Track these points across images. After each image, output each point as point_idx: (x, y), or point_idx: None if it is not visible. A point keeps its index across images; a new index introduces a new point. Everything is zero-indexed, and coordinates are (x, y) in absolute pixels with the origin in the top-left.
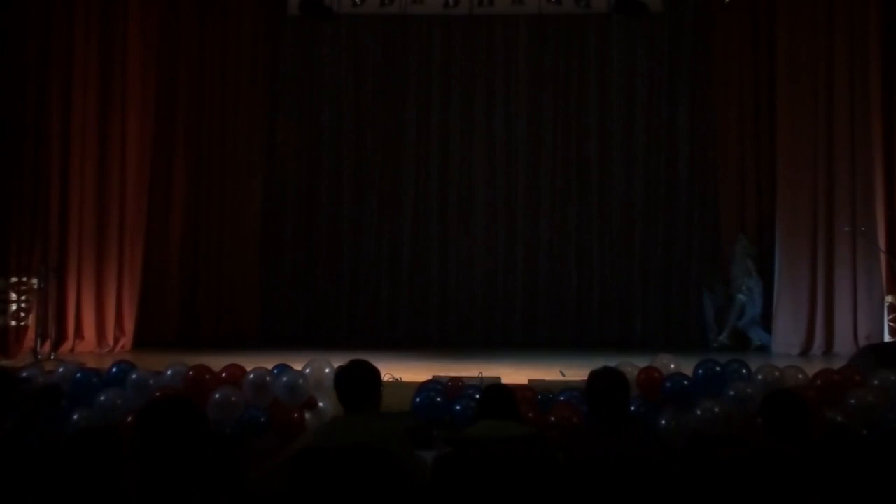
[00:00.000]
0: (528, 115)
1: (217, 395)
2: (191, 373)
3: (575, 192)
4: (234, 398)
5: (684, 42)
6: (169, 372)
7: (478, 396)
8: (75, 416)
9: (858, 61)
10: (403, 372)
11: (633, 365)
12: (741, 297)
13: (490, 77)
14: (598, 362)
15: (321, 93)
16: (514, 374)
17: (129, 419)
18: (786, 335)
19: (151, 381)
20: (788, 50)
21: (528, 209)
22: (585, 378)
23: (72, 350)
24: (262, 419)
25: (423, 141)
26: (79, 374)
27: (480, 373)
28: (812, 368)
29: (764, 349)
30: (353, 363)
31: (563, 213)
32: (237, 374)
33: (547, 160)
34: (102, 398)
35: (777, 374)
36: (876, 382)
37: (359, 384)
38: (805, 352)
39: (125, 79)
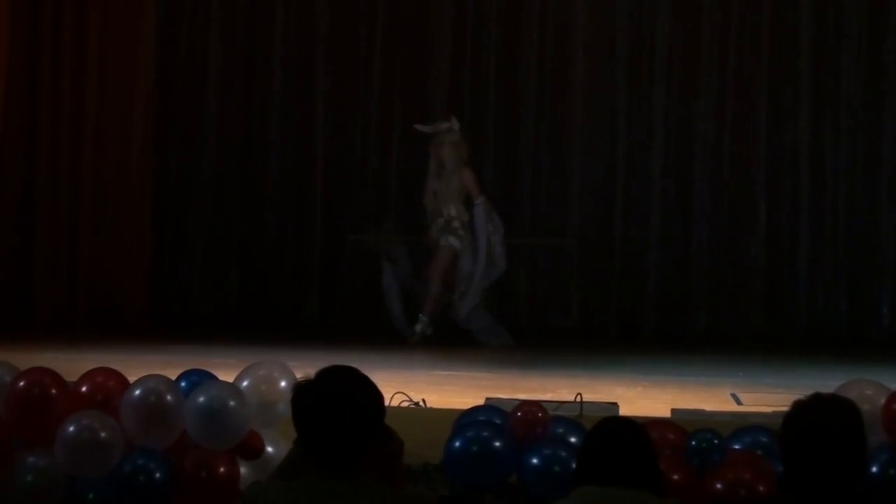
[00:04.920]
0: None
1: (71, 429)
2: (21, 384)
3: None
4: (104, 434)
5: None
6: None
7: (574, 440)
8: None
9: None
10: (429, 390)
11: (874, 384)
12: (452, 241)
13: None
14: (805, 379)
15: None
16: (642, 396)
17: None
18: None
19: None
20: None
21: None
22: (780, 408)
23: None
24: (159, 474)
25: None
26: None
27: (579, 394)
28: None
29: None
30: (329, 373)
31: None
32: (110, 387)
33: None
34: None
35: None
36: None
37: (345, 418)
38: None
39: None
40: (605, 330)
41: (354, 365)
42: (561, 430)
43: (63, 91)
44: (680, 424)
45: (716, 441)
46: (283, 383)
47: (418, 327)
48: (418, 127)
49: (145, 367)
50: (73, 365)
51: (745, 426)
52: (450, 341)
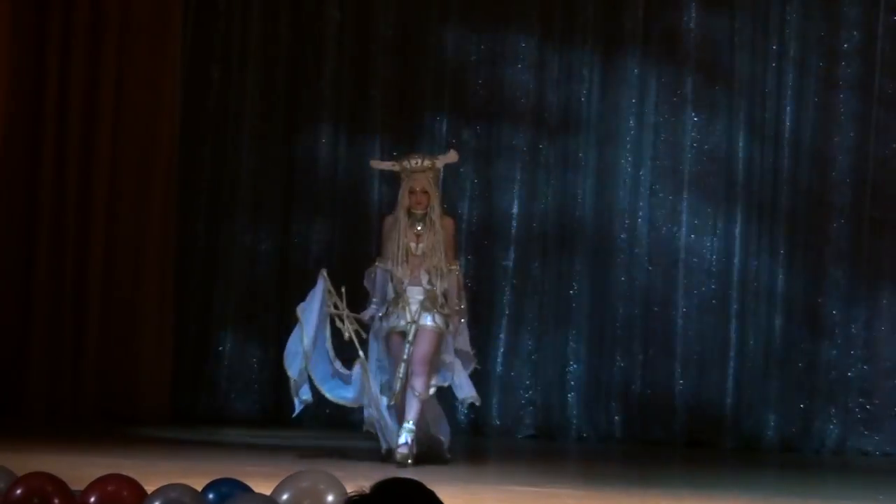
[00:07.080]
0: None
1: None
2: (19, 492)
3: None
4: None
5: None
6: None
7: None
8: None
9: None
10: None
11: None
12: (439, 321)
13: None
14: None
15: None
16: None
17: None
18: None
19: None
20: None
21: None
22: None
23: None
24: None
25: None
26: None
27: None
28: None
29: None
30: (388, 487)
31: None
32: (124, 497)
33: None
34: None
35: None
36: None
37: None
38: None
39: None
40: (715, 443)
41: (412, 476)
42: None
43: (70, 151)
44: None
45: None
46: (330, 497)
47: (409, 437)
48: (377, 165)
49: (165, 475)
50: (78, 470)
51: None
52: (517, 447)
